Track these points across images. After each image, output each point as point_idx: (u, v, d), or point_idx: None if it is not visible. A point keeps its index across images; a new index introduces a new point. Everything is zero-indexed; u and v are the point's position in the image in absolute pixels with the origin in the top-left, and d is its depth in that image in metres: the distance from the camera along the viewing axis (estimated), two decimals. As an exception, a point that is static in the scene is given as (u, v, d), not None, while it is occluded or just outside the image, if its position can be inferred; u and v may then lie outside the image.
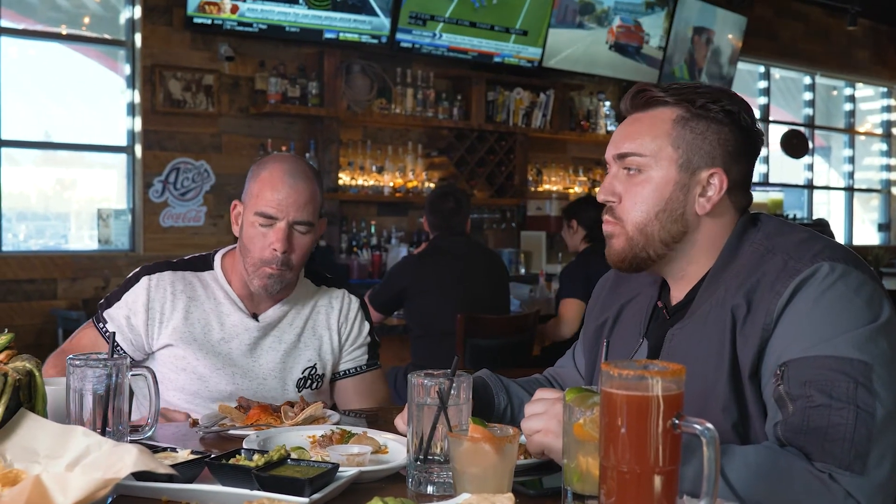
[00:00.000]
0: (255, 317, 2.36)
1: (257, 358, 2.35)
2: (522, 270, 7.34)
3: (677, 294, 1.72)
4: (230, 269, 2.38)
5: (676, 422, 1.16)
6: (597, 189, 7.78)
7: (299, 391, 2.38)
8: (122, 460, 1.16)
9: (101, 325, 2.33)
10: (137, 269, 2.37)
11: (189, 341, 2.31)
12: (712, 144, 1.63)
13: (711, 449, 1.14)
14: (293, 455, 1.50)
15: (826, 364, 1.44)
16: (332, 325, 2.44)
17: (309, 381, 2.40)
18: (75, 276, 5.82)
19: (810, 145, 10.08)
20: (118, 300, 2.33)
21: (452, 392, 1.49)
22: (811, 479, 1.38)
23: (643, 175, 1.65)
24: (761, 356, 1.52)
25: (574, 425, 1.34)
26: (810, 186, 10.39)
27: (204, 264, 2.40)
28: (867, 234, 11.02)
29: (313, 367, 2.40)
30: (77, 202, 6.37)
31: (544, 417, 1.52)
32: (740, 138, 1.64)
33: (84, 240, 6.24)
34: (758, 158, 1.72)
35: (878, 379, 1.42)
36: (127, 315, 2.31)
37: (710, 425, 1.14)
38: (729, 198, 1.65)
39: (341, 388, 2.51)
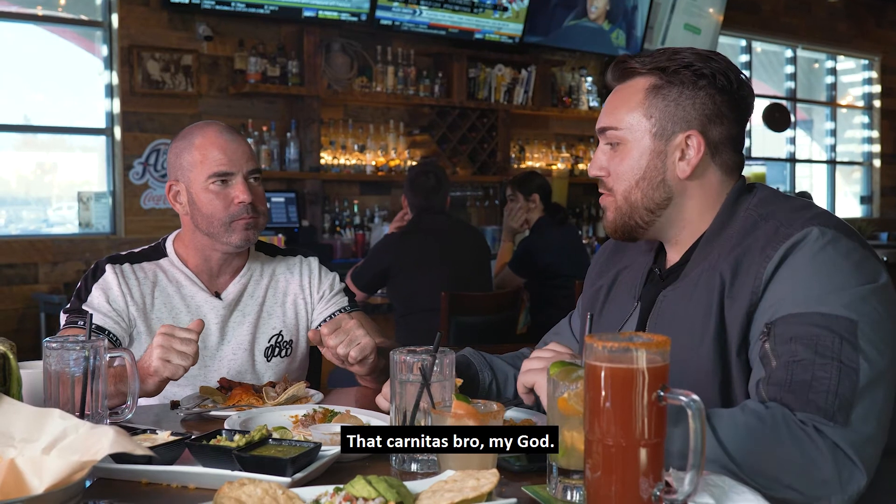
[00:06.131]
0: (217, 295, 2.35)
1: (225, 334, 2.34)
2: (506, 248, 7.31)
3: (672, 257, 1.74)
4: (184, 252, 2.37)
5: (662, 394, 1.14)
6: (581, 165, 7.82)
7: (268, 360, 2.36)
8: (100, 442, 1.13)
9: (82, 322, 2.22)
10: (94, 264, 2.33)
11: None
12: (686, 109, 1.63)
13: (697, 421, 1.12)
14: (275, 435, 1.49)
15: (812, 320, 1.44)
16: (295, 290, 2.44)
17: (277, 350, 2.39)
18: (56, 261, 5.76)
19: (792, 119, 10.07)
20: (90, 292, 2.28)
21: (435, 368, 1.48)
22: (798, 432, 1.37)
23: (622, 147, 1.68)
24: (750, 320, 1.52)
25: (558, 399, 1.32)
26: (792, 160, 10.39)
27: (157, 253, 2.39)
28: (850, 207, 11.03)
29: (278, 334, 2.39)
30: (58, 186, 6.30)
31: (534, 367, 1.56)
32: (718, 100, 1.63)
33: (65, 224, 6.17)
34: (747, 117, 1.69)
35: (864, 337, 1.42)
36: (107, 299, 2.26)
37: (696, 397, 1.13)
38: (713, 160, 1.66)
39: None
